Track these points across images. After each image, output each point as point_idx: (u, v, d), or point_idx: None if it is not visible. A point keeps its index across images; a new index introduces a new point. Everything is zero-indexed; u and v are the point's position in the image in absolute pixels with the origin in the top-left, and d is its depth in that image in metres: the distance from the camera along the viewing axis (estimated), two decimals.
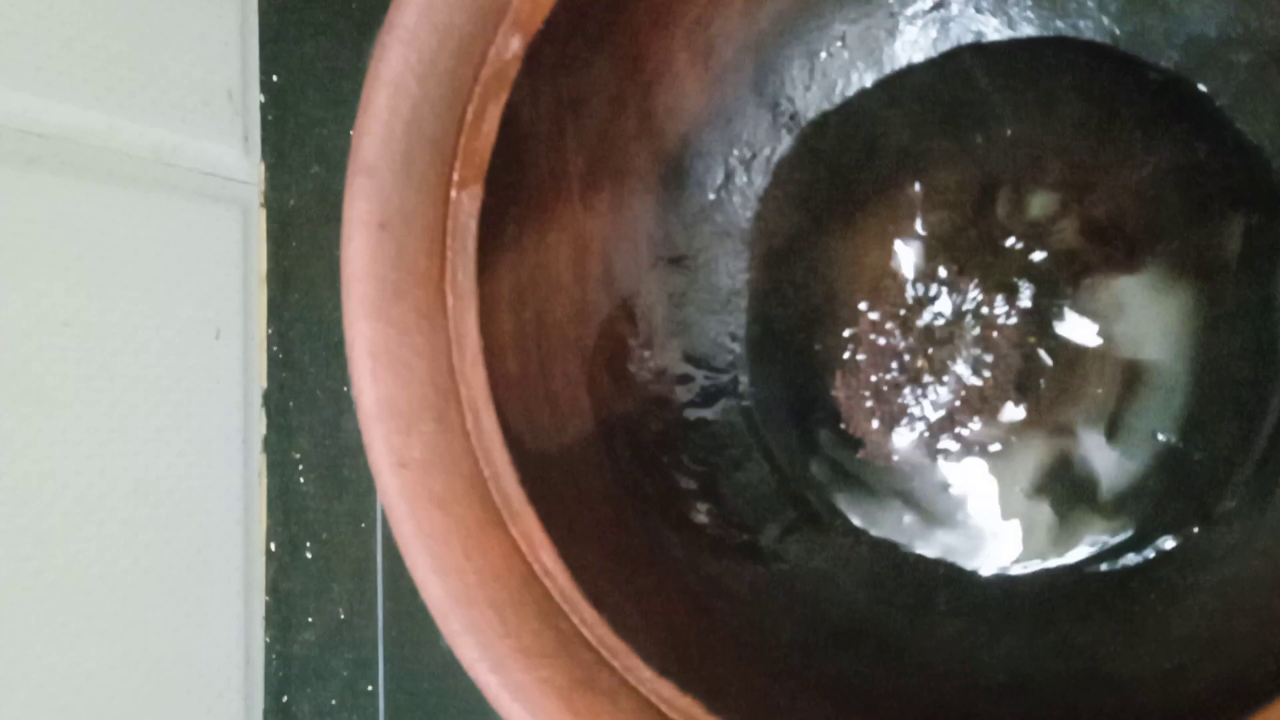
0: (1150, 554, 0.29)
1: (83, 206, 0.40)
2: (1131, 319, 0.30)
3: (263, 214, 0.48)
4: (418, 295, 0.26)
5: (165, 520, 0.43)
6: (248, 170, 0.47)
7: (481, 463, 0.25)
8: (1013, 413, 0.32)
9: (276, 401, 0.47)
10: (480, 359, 0.26)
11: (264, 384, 0.47)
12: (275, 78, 0.48)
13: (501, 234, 0.28)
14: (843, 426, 0.33)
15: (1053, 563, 0.31)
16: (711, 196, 0.33)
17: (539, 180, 0.29)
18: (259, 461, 0.47)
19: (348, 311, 0.25)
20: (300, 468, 0.47)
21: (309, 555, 0.46)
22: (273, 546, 0.47)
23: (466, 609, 0.24)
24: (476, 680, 0.24)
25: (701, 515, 0.32)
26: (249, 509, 0.47)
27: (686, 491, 0.32)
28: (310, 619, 0.47)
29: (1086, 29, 0.30)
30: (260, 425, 0.47)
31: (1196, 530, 0.28)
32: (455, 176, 0.26)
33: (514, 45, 0.26)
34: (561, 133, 0.30)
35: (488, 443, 0.26)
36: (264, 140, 0.48)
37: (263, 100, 0.48)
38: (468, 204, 0.26)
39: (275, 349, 0.47)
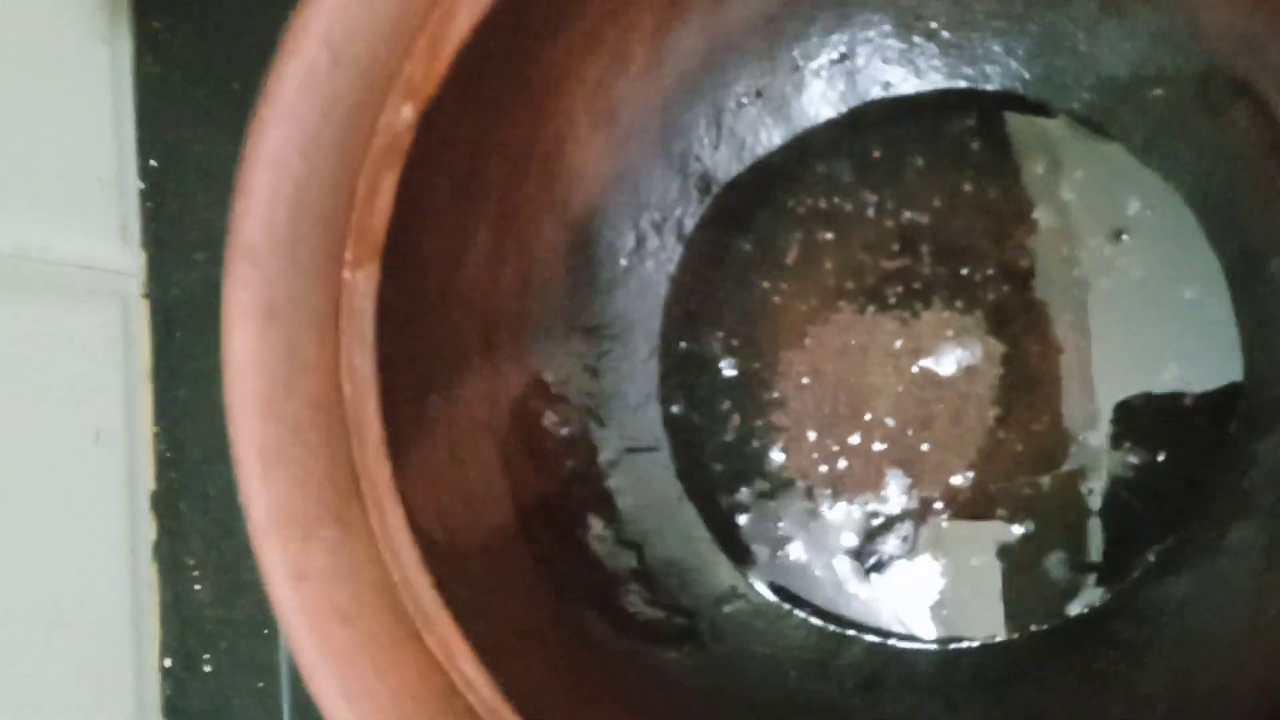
0: (1103, 607, 0.28)
1: None
2: (1062, 368, 0.30)
3: (144, 306, 0.46)
4: (310, 387, 0.24)
5: (48, 641, 0.40)
6: (126, 261, 0.46)
7: (390, 567, 0.23)
8: (950, 477, 0.31)
9: (166, 504, 0.45)
10: (384, 451, 0.24)
11: (152, 485, 0.45)
12: (153, 162, 0.46)
13: (400, 315, 0.26)
14: (775, 491, 0.32)
15: (1005, 628, 0.30)
16: (624, 263, 0.32)
17: (440, 255, 0.28)
18: (149, 570, 0.44)
19: (232, 411, 0.23)
20: (195, 574, 0.45)
21: (208, 669, 0.44)
22: (168, 662, 0.44)
23: None
24: None
25: (633, 599, 0.30)
26: (140, 622, 0.44)
27: (615, 574, 0.30)
28: None
29: (994, 75, 0.30)
30: (149, 530, 0.45)
31: (1147, 581, 0.27)
32: (348, 256, 0.24)
33: (406, 114, 0.24)
34: (462, 204, 0.28)
35: (396, 545, 0.23)
36: (144, 229, 0.46)
37: (141, 187, 0.46)
38: (363, 285, 0.24)
39: (163, 448, 0.45)
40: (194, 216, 0.45)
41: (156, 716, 0.43)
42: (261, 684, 0.43)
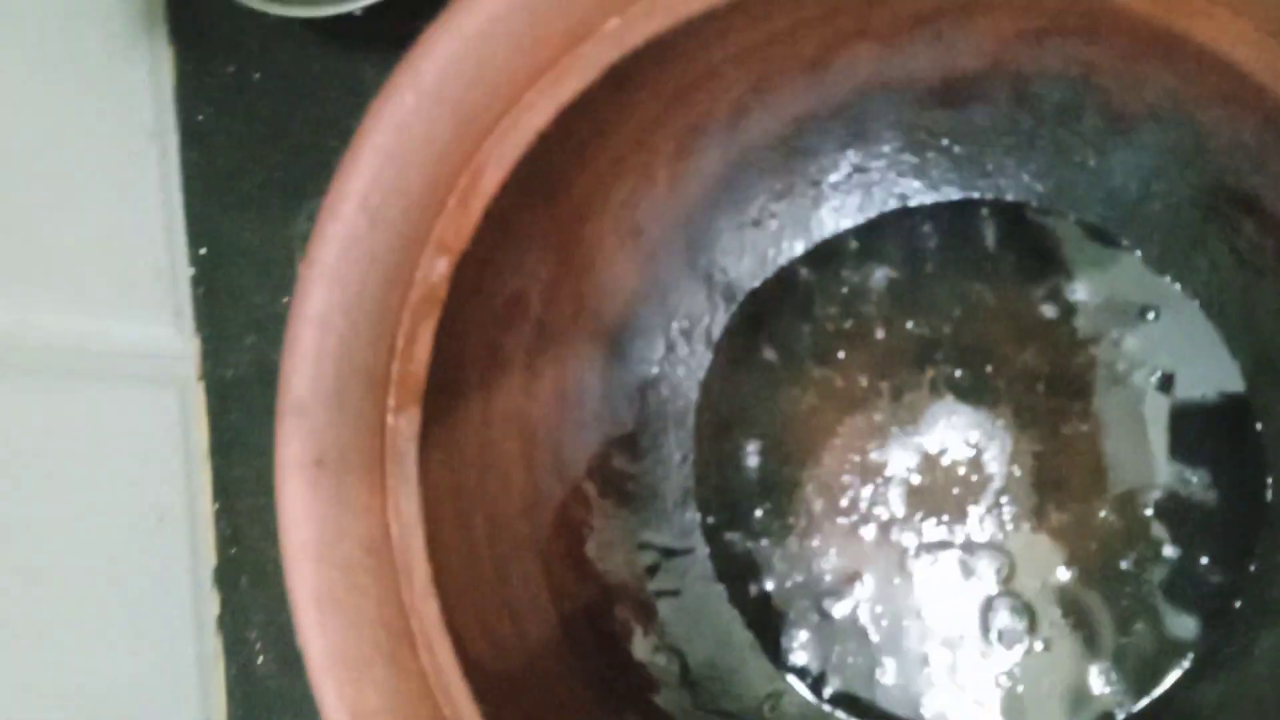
0: (1139, 713, 0.28)
1: (7, 405, 0.39)
2: (1087, 471, 0.30)
3: (200, 389, 0.47)
4: (360, 530, 0.25)
5: (121, 716, 0.41)
6: (181, 347, 0.47)
7: (441, 703, 0.24)
8: (984, 581, 0.31)
9: (227, 579, 0.46)
10: (431, 589, 0.25)
11: (214, 561, 0.46)
12: (203, 250, 0.47)
13: (443, 450, 0.27)
14: (814, 592, 0.33)
15: None
16: (655, 370, 0.33)
17: (479, 383, 0.29)
18: (214, 643, 0.46)
19: (288, 556, 0.24)
20: (258, 646, 0.46)
21: None
22: None
23: None
24: None
25: (675, 703, 0.31)
26: (207, 694, 0.45)
27: (657, 678, 0.31)
28: None
29: (1008, 187, 0.30)
30: (213, 606, 0.46)
31: (1180, 689, 0.28)
32: (391, 403, 0.25)
33: (440, 267, 0.25)
34: (497, 334, 0.29)
35: (446, 680, 0.25)
36: (196, 315, 0.47)
37: (192, 274, 0.47)
38: (405, 429, 0.25)
39: (223, 525, 0.46)
40: (243, 300, 0.46)
41: None
42: None
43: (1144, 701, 0.29)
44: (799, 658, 0.32)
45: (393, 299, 0.25)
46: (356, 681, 0.24)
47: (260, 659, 0.45)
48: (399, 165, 0.24)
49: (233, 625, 0.45)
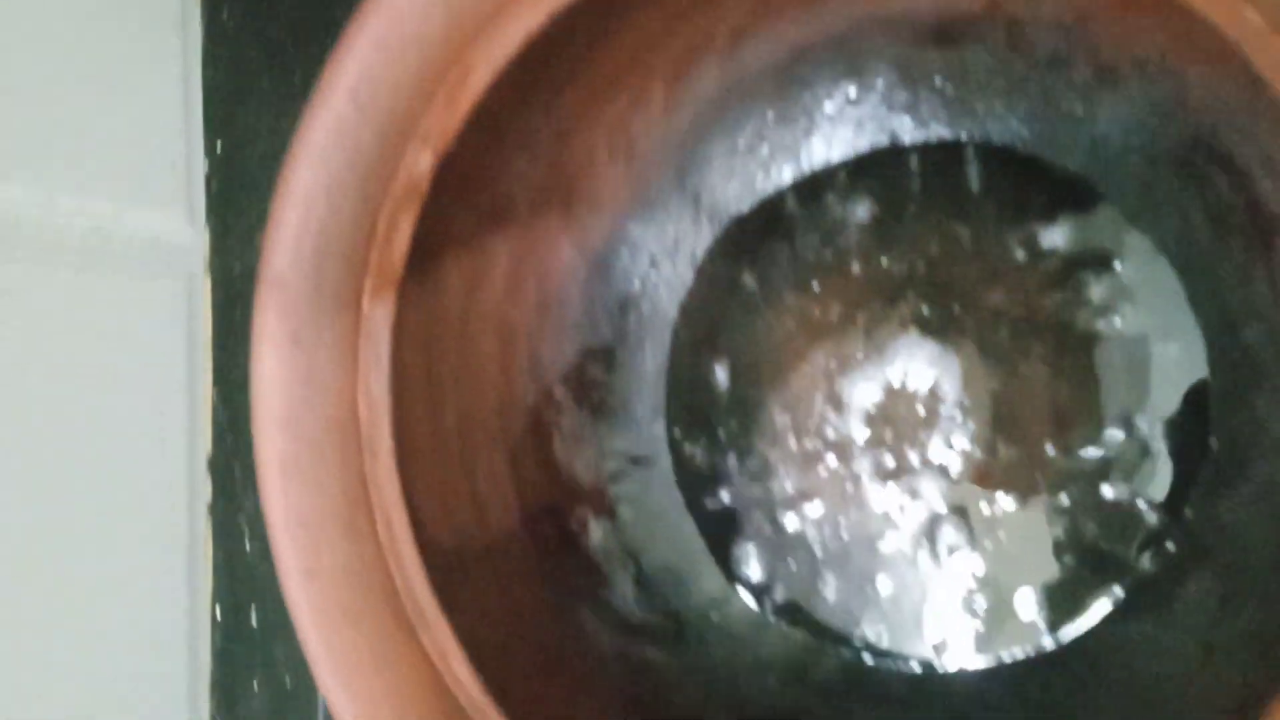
0: (1066, 645, 0.29)
1: (22, 284, 0.40)
2: (1041, 408, 0.31)
3: (207, 282, 0.48)
4: (329, 406, 0.26)
5: (110, 588, 0.42)
6: (191, 239, 0.47)
7: (393, 572, 0.26)
8: (934, 504, 0.32)
9: (222, 466, 0.47)
10: (393, 466, 0.26)
11: (209, 450, 0.47)
12: (219, 145, 0.48)
13: (419, 337, 0.28)
14: (768, 508, 0.34)
15: (974, 658, 0.31)
16: (637, 287, 0.34)
17: (461, 281, 0.30)
18: (204, 527, 0.47)
19: (257, 422, 0.26)
20: (245, 532, 0.47)
21: (255, 622, 0.46)
22: (218, 614, 0.46)
23: None
24: None
25: (627, 602, 0.32)
26: (194, 574, 0.46)
27: (611, 577, 0.32)
28: (256, 686, 0.47)
29: (995, 131, 0.30)
30: (206, 491, 0.47)
31: (1108, 623, 0.29)
32: (368, 287, 0.26)
33: (424, 161, 0.26)
34: (483, 234, 0.30)
35: (400, 551, 0.26)
36: (208, 209, 0.48)
37: (206, 168, 0.48)
38: (380, 314, 0.26)
39: (220, 415, 0.47)
40: (255, 198, 0.47)
41: (207, 663, 0.45)
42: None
43: (1071, 633, 0.30)
44: (748, 568, 0.33)
45: (376, 188, 0.26)
46: (313, 543, 0.25)
47: (248, 545, 0.47)
48: (389, 58, 0.25)
49: (223, 511, 0.46)
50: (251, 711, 0.46)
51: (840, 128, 0.32)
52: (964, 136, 0.31)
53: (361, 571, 0.25)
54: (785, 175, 0.33)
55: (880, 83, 0.31)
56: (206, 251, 0.47)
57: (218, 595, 0.46)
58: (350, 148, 0.25)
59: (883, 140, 0.32)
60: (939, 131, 0.31)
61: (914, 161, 0.32)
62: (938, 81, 0.30)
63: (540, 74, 0.28)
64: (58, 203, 0.41)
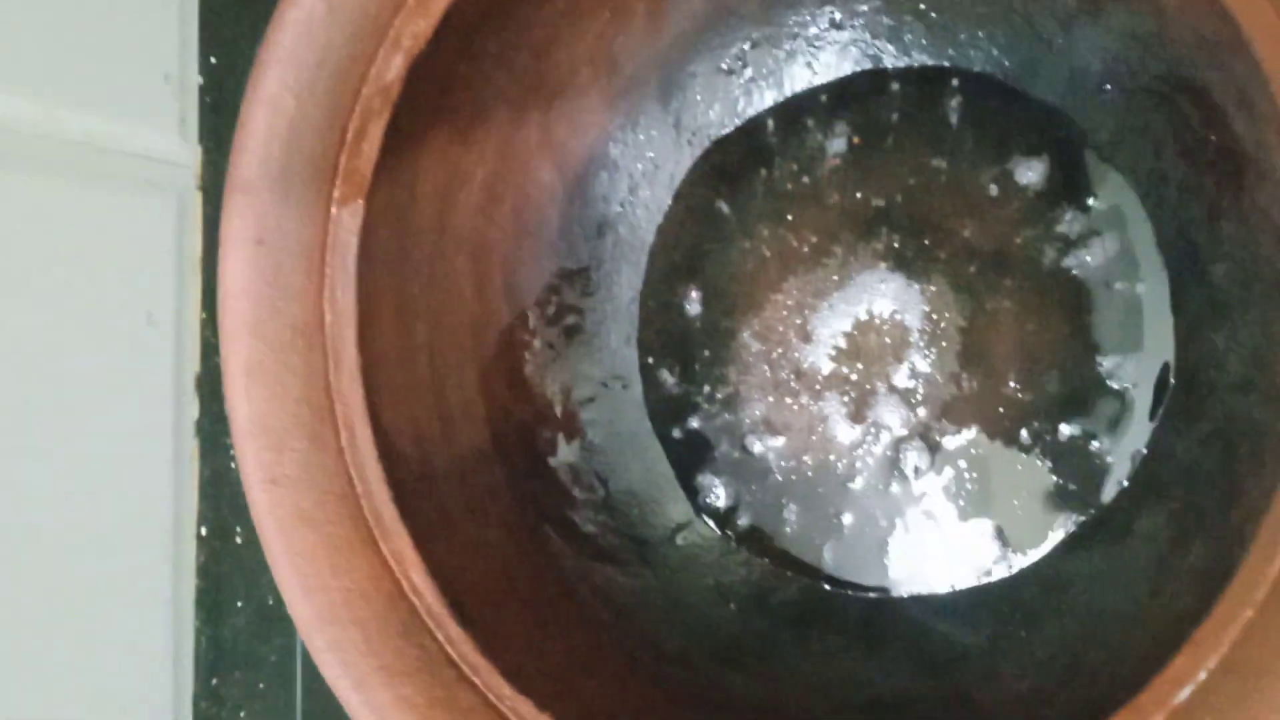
0: (1018, 575, 0.29)
1: (14, 194, 0.40)
2: (1007, 340, 0.31)
3: (198, 198, 0.48)
4: (294, 312, 0.26)
5: (96, 503, 0.42)
6: (184, 154, 0.47)
7: (355, 480, 0.26)
8: (897, 433, 0.32)
9: (209, 385, 0.47)
10: (358, 375, 0.26)
11: (197, 368, 0.47)
12: (214, 60, 0.47)
13: (392, 250, 0.28)
14: (736, 435, 0.34)
15: (929, 586, 0.31)
16: (615, 209, 0.34)
17: (435, 193, 0.29)
18: (191, 445, 0.47)
19: (223, 327, 0.26)
20: (231, 451, 0.47)
21: (239, 540, 0.46)
22: (203, 531, 0.47)
23: (331, 627, 0.24)
24: (340, 698, 0.24)
25: (593, 525, 0.32)
26: (180, 493, 0.46)
27: (579, 500, 0.32)
28: (239, 603, 0.47)
29: (977, 59, 0.30)
30: (193, 409, 0.47)
31: (1058, 554, 0.29)
32: (336, 194, 0.26)
33: (395, 66, 0.26)
34: (460, 146, 0.30)
35: (362, 460, 0.26)
36: (201, 124, 0.47)
37: (200, 83, 0.47)
38: (348, 221, 0.26)
39: (208, 334, 0.47)
40: None
41: (191, 579, 0.46)
42: None
43: (1023, 563, 0.30)
44: (713, 495, 0.33)
45: (345, 91, 0.26)
46: (276, 449, 0.25)
47: (233, 464, 0.47)
48: None
49: (210, 429, 0.46)
50: (236, 628, 0.47)
51: (824, 51, 0.32)
52: (946, 64, 0.30)
53: (323, 478, 0.25)
54: (766, 99, 0.32)
55: (865, 7, 0.31)
56: (199, 167, 0.47)
57: (203, 514, 0.47)
58: (320, 48, 0.25)
59: (866, 65, 0.31)
60: (921, 59, 0.31)
61: (894, 91, 0.31)
62: (922, 6, 0.30)
63: None
64: (54, 115, 0.41)
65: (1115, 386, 0.30)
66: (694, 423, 0.34)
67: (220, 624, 0.47)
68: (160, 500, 0.45)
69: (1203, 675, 0.20)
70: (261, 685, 0.47)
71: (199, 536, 0.47)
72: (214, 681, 0.48)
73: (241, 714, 0.47)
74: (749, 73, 0.32)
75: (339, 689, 0.24)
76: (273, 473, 0.25)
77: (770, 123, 0.32)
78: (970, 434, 0.31)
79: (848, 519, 0.32)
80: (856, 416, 0.32)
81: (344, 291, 0.26)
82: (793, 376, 0.33)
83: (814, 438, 0.33)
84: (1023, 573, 0.29)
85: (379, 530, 0.26)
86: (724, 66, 0.33)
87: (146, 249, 0.45)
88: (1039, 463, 0.30)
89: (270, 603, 0.47)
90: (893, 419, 0.32)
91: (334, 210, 0.26)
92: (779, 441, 0.33)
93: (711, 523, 0.33)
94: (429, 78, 0.27)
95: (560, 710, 0.25)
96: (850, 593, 0.31)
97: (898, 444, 0.32)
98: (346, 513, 0.26)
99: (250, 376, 0.25)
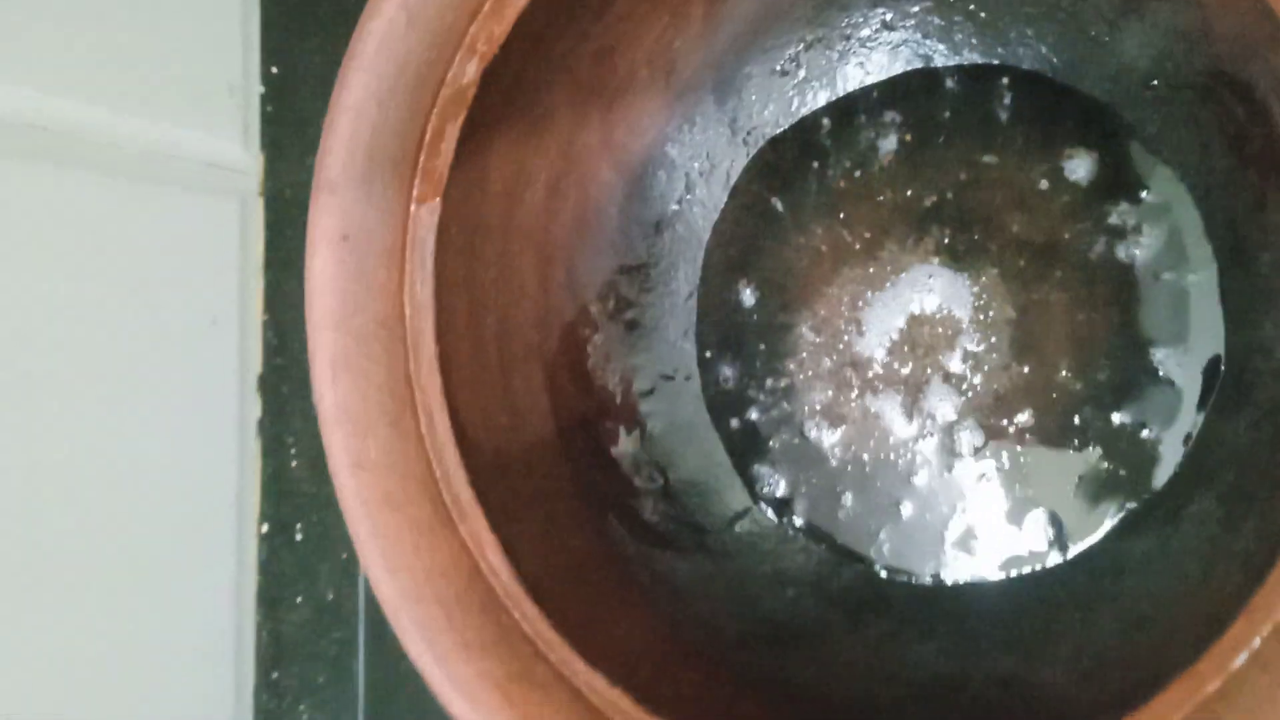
0: (1071, 560, 0.30)
1: (83, 199, 0.41)
2: (1060, 332, 0.31)
3: (260, 204, 0.49)
4: (377, 306, 0.27)
5: (162, 501, 0.43)
6: (247, 162, 0.48)
7: (434, 465, 0.27)
8: (951, 423, 0.33)
9: (271, 386, 0.47)
10: (436, 366, 0.27)
11: (259, 369, 0.48)
12: (275, 70, 0.49)
13: (463, 245, 0.29)
14: (793, 425, 0.34)
15: (984, 572, 0.32)
16: (673, 208, 0.35)
17: (502, 191, 0.31)
18: (254, 445, 0.48)
19: (311, 321, 0.27)
20: (293, 451, 0.48)
21: (299, 537, 0.47)
22: (265, 528, 0.47)
23: (414, 605, 0.25)
24: (422, 672, 0.25)
25: (653, 512, 0.33)
26: (243, 491, 0.47)
27: (640, 489, 0.33)
28: (299, 599, 0.48)
29: (1026, 57, 0.31)
30: (255, 409, 0.48)
31: (1111, 539, 0.29)
32: (414, 193, 0.27)
33: (470, 70, 0.27)
34: (525, 147, 0.31)
35: (440, 446, 0.27)
36: (263, 132, 0.48)
37: (262, 92, 0.49)
38: (426, 218, 0.27)
39: (270, 335, 0.48)
40: (309, 122, 0.48)
41: (253, 575, 0.47)
42: (345, 555, 0.46)
43: (1075, 549, 0.31)
44: (770, 484, 0.34)
45: (424, 95, 0.27)
46: (361, 435, 0.26)
47: (294, 463, 0.48)
48: None
49: (271, 429, 0.47)
50: (295, 623, 0.47)
51: (875, 52, 0.33)
52: (995, 62, 0.31)
53: (405, 463, 0.27)
54: (820, 99, 0.33)
55: (915, 8, 0.31)
56: (261, 174, 0.48)
57: (265, 511, 0.47)
58: (400, 56, 0.26)
59: (917, 64, 0.32)
60: (971, 58, 0.32)
61: (945, 89, 0.32)
62: (971, 6, 0.31)
63: None
64: (118, 121, 0.42)
65: (1165, 375, 0.31)
66: (751, 414, 0.35)
67: (280, 619, 0.48)
68: (224, 498, 0.46)
69: (1257, 642, 0.20)
70: (320, 679, 0.48)
71: (260, 534, 0.48)
72: (274, 675, 0.48)
73: (300, 708, 0.47)
74: (802, 73, 0.33)
75: (422, 664, 0.25)
76: (358, 458, 0.26)
77: (824, 121, 0.33)
78: (1023, 422, 0.32)
79: (903, 507, 0.33)
80: (911, 406, 0.33)
81: (423, 286, 0.27)
82: (848, 368, 0.34)
83: (869, 427, 0.33)
84: (1076, 558, 0.30)
85: (456, 512, 0.27)
86: (778, 68, 0.34)
87: (210, 254, 0.46)
88: (1091, 450, 0.31)
89: (330, 598, 0.48)
90: (946, 408, 0.33)
91: (413, 208, 0.27)
92: (835, 431, 0.34)
93: (770, 511, 0.34)
94: (499, 81, 0.28)
95: (629, 686, 0.26)
96: (905, 579, 0.32)
97: (952, 432, 0.32)
98: (426, 495, 0.27)
99: (336, 367, 0.26)
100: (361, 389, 0.27)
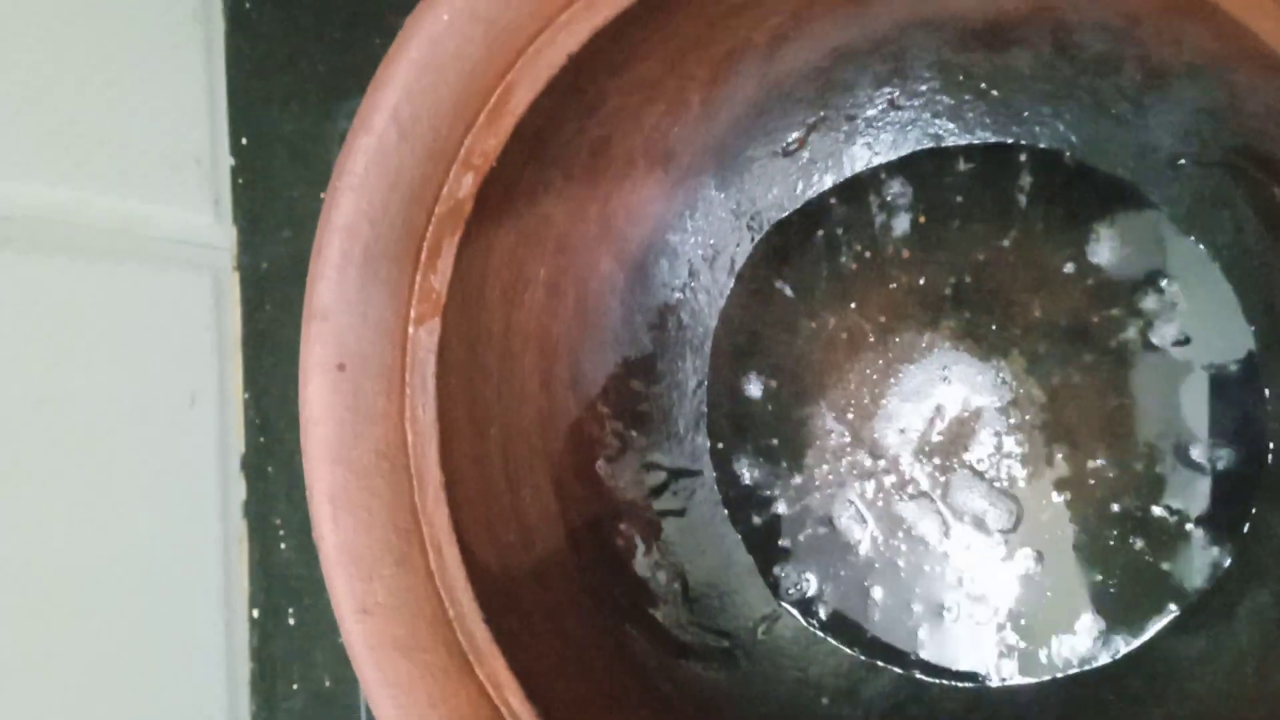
0: (1120, 661, 0.29)
1: (52, 283, 0.40)
2: (1094, 423, 0.30)
3: (235, 278, 0.48)
4: (377, 435, 0.26)
5: (147, 589, 0.42)
6: (219, 235, 0.47)
7: (446, 604, 0.25)
8: (983, 521, 0.32)
9: (255, 466, 0.47)
10: (442, 495, 0.26)
11: (242, 449, 0.47)
12: (244, 141, 0.47)
13: (462, 356, 0.28)
14: (815, 522, 0.33)
15: (1027, 674, 0.31)
16: (677, 295, 0.33)
17: (501, 297, 0.29)
18: (239, 527, 0.47)
19: (307, 454, 0.25)
20: (281, 533, 0.47)
21: (291, 621, 0.46)
22: (255, 613, 0.47)
23: None
24: None
25: (674, 620, 0.32)
26: (230, 575, 0.46)
27: (657, 594, 0.32)
28: (295, 686, 0.47)
29: (1042, 135, 0.30)
30: (240, 490, 0.47)
31: (1163, 639, 0.28)
32: (412, 313, 0.26)
33: (467, 184, 0.25)
34: (523, 249, 0.30)
35: (451, 581, 0.26)
36: (235, 204, 0.47)
37: (233, 164, 0.47)
38: (425, 339, 0.26)
39: (252, 414, 0.47)
40: (282, 193, 0.46)
41: (245, 662, 0.45)
42: (340, 639, 0.46)
43: (1124, 649, 0.30)
44: (795, 584, 0.33)
45: (419, 212, 0.26)
46: (366, 578, 0.25)
47: (283, 545, 0.47)
48: (431, 80, 0.25)
49: (258, 511, 0.46)
50: (291, 711, 0.46)
51: (883, 132, 0.31)
52: (1010, 141, 0.30)
53: (414, 604, 0.25)
54: (826, 180, 0.32)
55: (924, 87, 0.30)
56: (234, 248, 0.47)
57: (255, 596, 0.46)
58: (392, 172, 0.25)
59: (927, 144, 0.31)
60: (984, 137, 0.31)
61: (957, 169, 0.31)
62: (983, 85, 0.30)
63: (580, 89, 0.27)
64: (85, 201, 0.41)
65: (1208, 464, 0.30)
66: (771, 509, 0.34)
67: (275, 707, 0.47)
68: (210, 584, 0.45)
69: None
70: None
71: (251, 619, 0.47)
72: None
73: None
74: (807, 155, 0.32)
75: None
76: (364, 602, 0.25)
77: (832, 203, 0.32)
78: (1058, 517, 0.31)
79: (937, 606, 0.32)
80: (937, 500, 0.32)
81: (425, 410, 0.26)
82: (869, 459, 0.33)
83: (895, 523, 0.32)
84: (1124, 658, 0.29)
85: (473, 654, 0.25)
86: (781, 150, 0.32)
87: (186, 331, 0.45)
88: (1134, 543, 0.30)
89: (326, 684, 0.47)
90: (976, 500, 0.31)
91: (411, 330, 0.26)
92: (859, 527, 0.33)
93: (795, 612, 0.33)
94: (495, 190, 0.27)
95: None
96: (946, 682, 0.30)
97: (982, 530, 0.31)
98: (439, 638, 0.25)
99: (336, 504, 0.25)
100: (364, 526, 0.25)
